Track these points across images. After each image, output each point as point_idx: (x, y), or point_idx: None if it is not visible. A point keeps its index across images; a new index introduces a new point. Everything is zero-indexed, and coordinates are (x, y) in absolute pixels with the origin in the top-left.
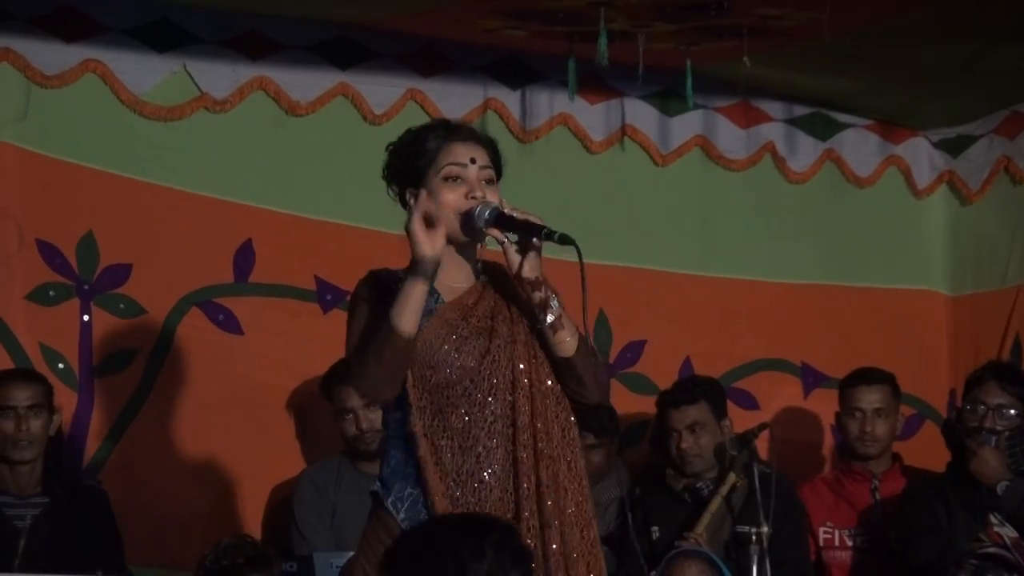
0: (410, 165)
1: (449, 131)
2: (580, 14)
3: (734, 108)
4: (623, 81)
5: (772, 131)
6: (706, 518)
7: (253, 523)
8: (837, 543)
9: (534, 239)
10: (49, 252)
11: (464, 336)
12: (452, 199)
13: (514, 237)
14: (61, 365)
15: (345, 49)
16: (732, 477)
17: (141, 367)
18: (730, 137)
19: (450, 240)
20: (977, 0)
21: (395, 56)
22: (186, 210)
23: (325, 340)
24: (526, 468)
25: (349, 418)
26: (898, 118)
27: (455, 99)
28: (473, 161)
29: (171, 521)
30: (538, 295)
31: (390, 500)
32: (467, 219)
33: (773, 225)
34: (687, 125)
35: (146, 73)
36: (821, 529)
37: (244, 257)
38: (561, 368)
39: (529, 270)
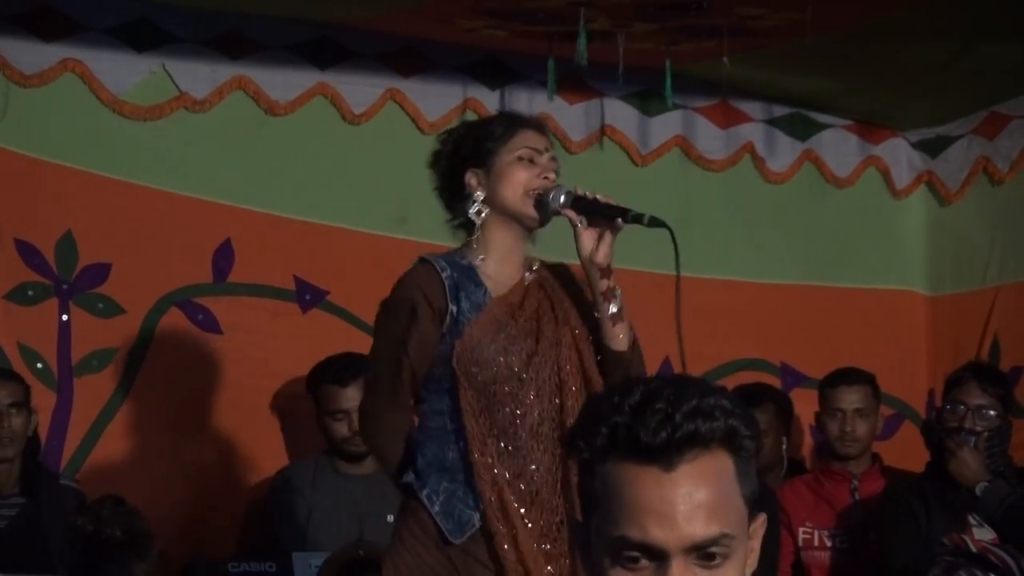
0: (479, 145)
1: (522, 119)
2: (560, 14)
3: (713, 108)
4: (603, 81)
5: (751, 131)
6: None
7: (232, 523)
8: (816, 543)
9: (618, 221)
10: (28, 251)
11: (512, 336)
12: (525, 178)
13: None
14: (40, 365)
15: (324, 49)
16: None
17: (120, 367)
18: (709, 137)
19: (519, 221)
20: (956, 1)
21: (374, 56)
22: (165, 210)
23: (304, 340)
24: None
25: (341, 419)
26: (877, 118)
27: (434, 99)
28: (547, 150)
29: (150, 521)
30: (606, 283)
31: (425, 493)
32: (541, 199)
33: (752, 225)
34: (666, 125)
35: (125, 73)
36: (800, 529)
37: (223, 257)
38: (611, 362)
39: (604, 256)
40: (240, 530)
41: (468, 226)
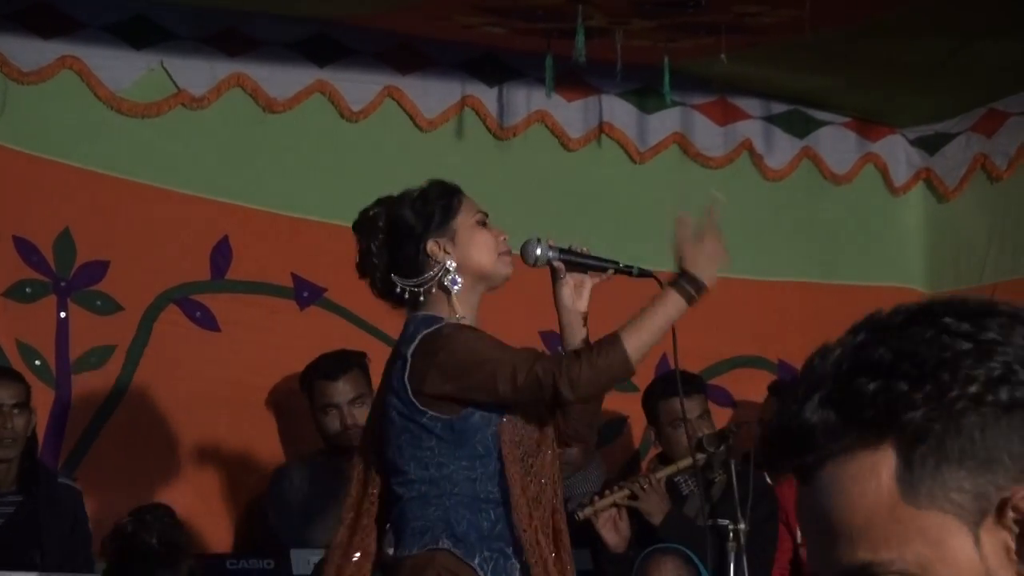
0: (432, 214)
1: (458, 187)
2: (558, 11)
3: (712, 105)
4: (601, 78)
5: (749, 128)
6: (670, 469)
7: (230, 520)
8: None
9: (608, 272)
10: (26, 249)
11: (527, 407)
12: (493, 241)
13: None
14: (38, 362)
15: (322, 46)
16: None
17: (118, 364)
18: (708, 134)
19: (488, 282)
20: None
21: (372, 53)
22: (163, 207)
23: (302, 336)
24: (561, 540)
25: (333, 414)
26: (875, 115)
27: (432, 96)
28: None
29: None
30: (586, 329)
31: (476, 562)
32: (523, 253)
33: (750, 222)
34: (665, 122)
35: (123, 70)
36: (799, 526)
37: (221, 254)
38: (584, 408)
39: (585, 304)
40: (238, 527)
41: (413, 296)
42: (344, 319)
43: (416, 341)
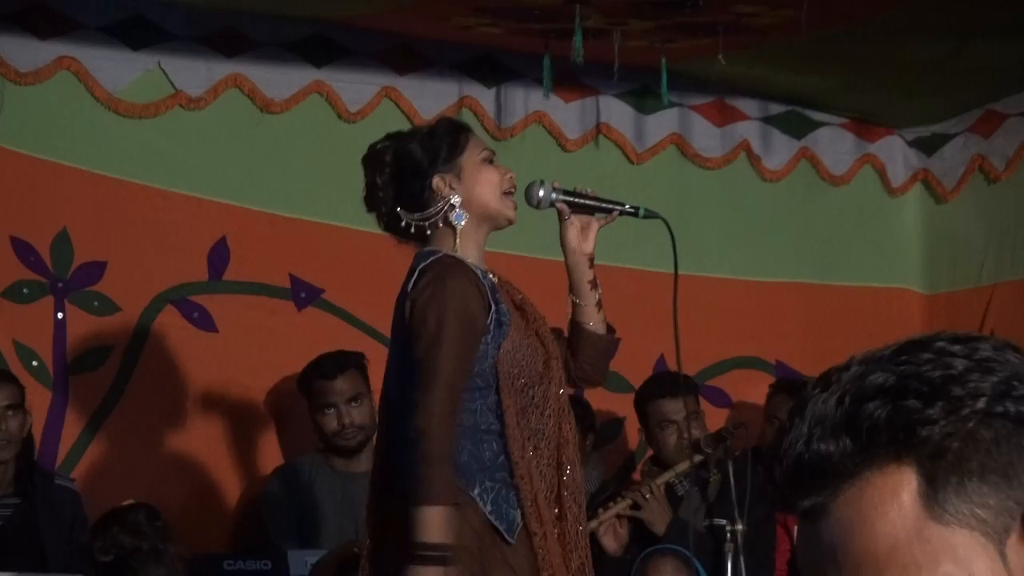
0: (439, 149)
1: (466, 124)
2: (555, 11)
3: (709, 106)
4: (598, 79)
5: (747, 129)
6: (669, 474)
7: (227, 521)
8: None
9: (613, 212)
10: (23, 249)
11: (530, 337)
12: (498, 178)
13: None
14: (35, 363)
15: (320, 47)
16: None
17: (115, 365)
18: (705, 135)
19: (493, 221)
20: None
21: (370, 54)
22: (161, 208)
23: (300, 338)
24: (565, 475)
25: (330, 412)
26: (873, 116)
27: (430, 97)
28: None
29: None
30: (592, 272)
31: (476, 492)
32: (529, 193)
33: (748, 223)
34: (662, 123)
35: (121, 70)
36: (796, 527)
37: (219, 255)
38: (591, 346)
39: (591, 245)
40: (236, 528)
41: (419, 231)
42: (342, 320)
43: (415, 274)
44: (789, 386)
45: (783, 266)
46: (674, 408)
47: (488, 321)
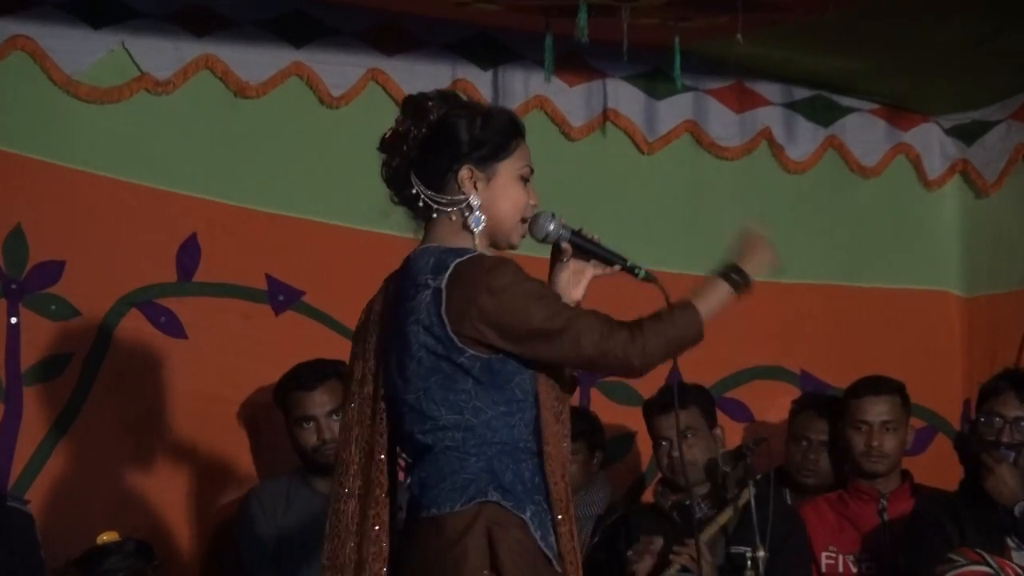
0: (483, 145)
1: (523, 127)
2: None
3: (727, 91)
4: (605, 61)
5: (769, 116)
6: (712, 528)
7: (198, 546)
8: (841, 569)
9: (613, 267)
10: None
11: None
12: (523, 202)
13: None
14: None
15: (300, 25)
16: (747, 493)
17: (75, 375)
18: (723, 122)
19: (498, 241)
20: None
21: (355, 33)
22: (125, 202)
23: (277, 344)
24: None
25: (309, 427)
26: (907, 102)
27: (421, 80)
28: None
29: None
30: None
31: (528, 515)
32: (534, 225)
33: (769, 219)
34: (675, 109)
35: (81, 51)
36: (824, 554)
37: (188, 254)
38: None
39: (581, 294)
40: (207, 555)
41: (425, 209)
42: (323, 325)
43: (450, 270)
44: (815, 401)
45: (808, 267)
46: (667, 424)
47: None
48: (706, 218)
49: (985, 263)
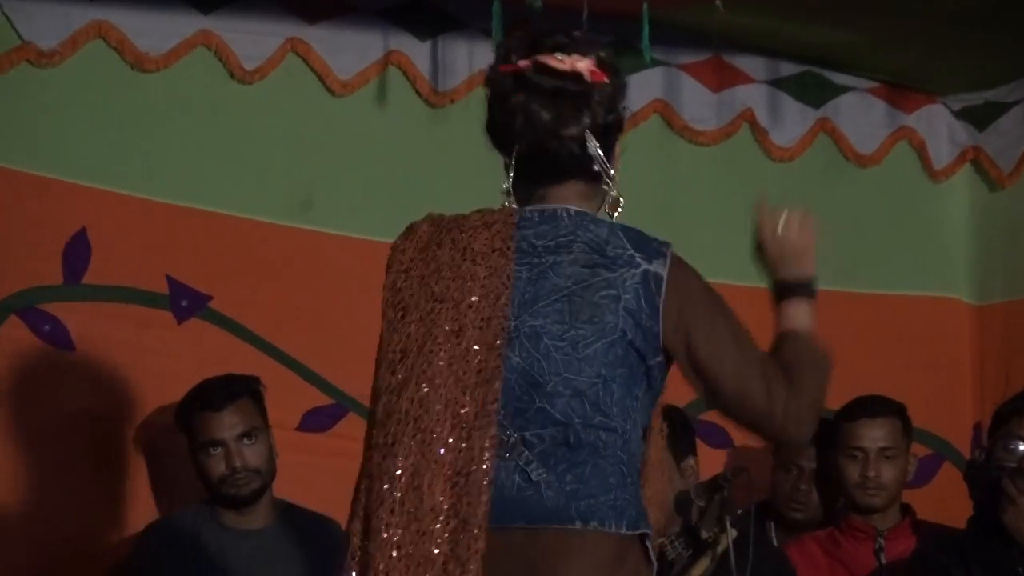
0: (624, 120)
1: None
2: None
3: (704, 65)
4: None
5: (752, 95)
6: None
7: None
8: None
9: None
10: None
11: None
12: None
13: None
14: None
15: None
16: (725, 538)
17: None
18: (698, 102)
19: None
20: None
21: None
22: (3, 192)
23: (179, 357)
24: None
25: (216, 453)
26: (911, 80)
27: (347, 52)
28: None
29: None
30: None
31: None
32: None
33: (752, 214)
34: (643, 87)
35: None
36: None
37: (76, 251)
38: None
39: None
40: None
41: (593, 176)
42: (233, 335)
43: (669, 258)
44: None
45: None
46: None
47: None
48: (678, 213)
49: (999, 266)
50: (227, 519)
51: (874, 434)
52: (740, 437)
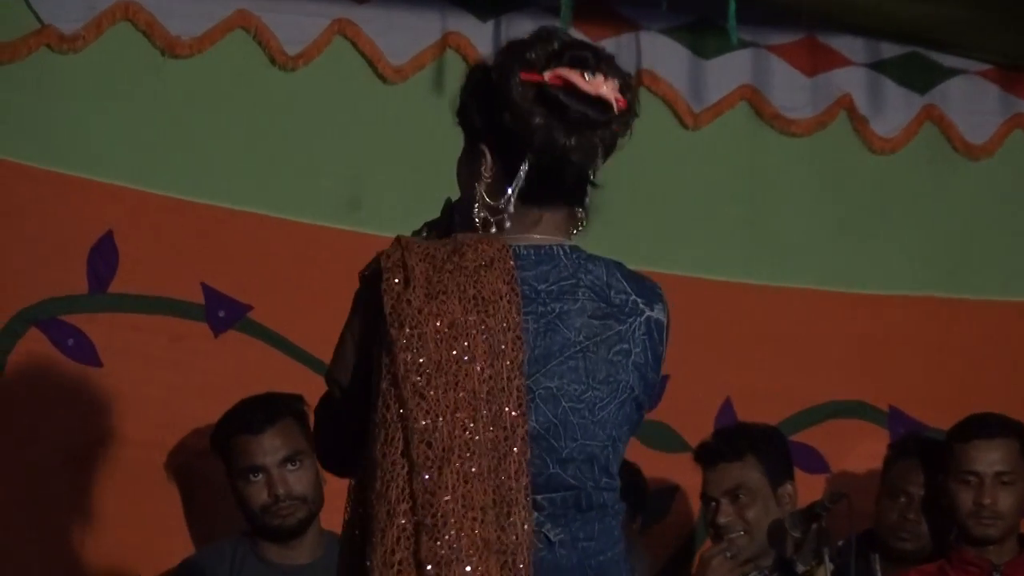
0: None
1: None
2: None
3: (796, 47)
4: (639, 8)
5: (849, 79)
6: None
7: None
8: None
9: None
10: None
11: None
12: None
13: None
14: None
15: None
16: (823, 572)
17: None
18: (790, 88)
19: None
20: None
21: None
22: (23, 192)
23: (216, 373)
24: None
25: (257, 480)
26: None
27: (400, 34)
28: None
29: None
30: None
31: None
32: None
33: (850, 212)
34: (729, 71)
35: None
36: None
37: (103, 257)
38: None
39: None
40: None
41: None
42: (275, 348)
43: (664, 301)
44: (918, 447)
45: (898, 274)
46: (714, 481)
47: None
48: (768, 211)
49: None
50: (270, 553)
51: (990, 457)
52: (837, 461)
